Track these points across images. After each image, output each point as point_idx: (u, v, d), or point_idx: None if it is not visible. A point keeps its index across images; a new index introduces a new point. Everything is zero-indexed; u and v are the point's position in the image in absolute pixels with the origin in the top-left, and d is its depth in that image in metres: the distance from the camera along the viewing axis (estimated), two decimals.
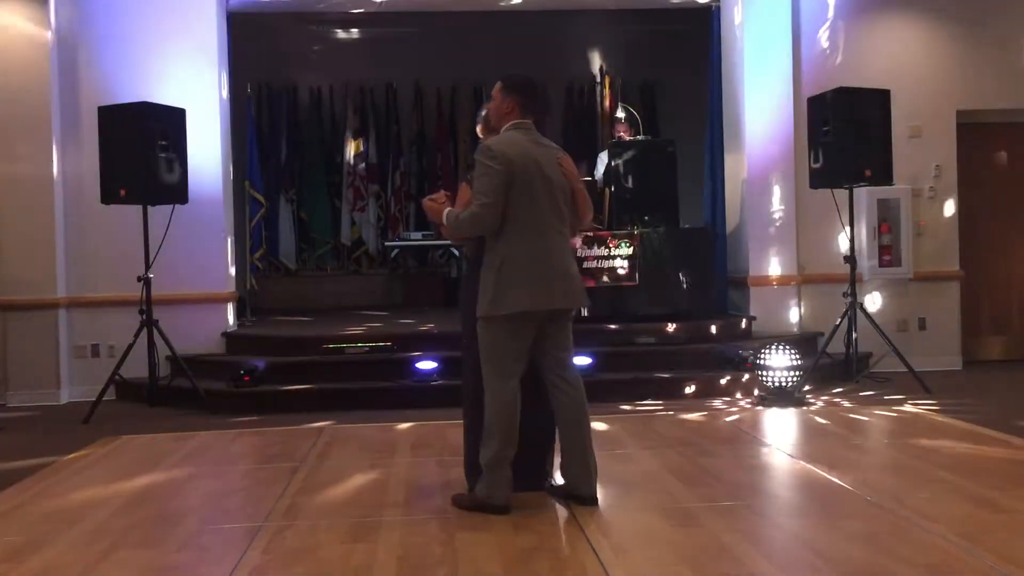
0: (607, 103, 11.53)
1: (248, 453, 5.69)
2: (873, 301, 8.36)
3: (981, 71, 8.59)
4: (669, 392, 7.15)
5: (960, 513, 3.98)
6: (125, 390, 7.57)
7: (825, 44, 8.52)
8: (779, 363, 6.77)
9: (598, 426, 6.07)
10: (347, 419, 6.51)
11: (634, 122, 8.77)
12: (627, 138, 8.73)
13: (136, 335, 7.20)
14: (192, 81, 8.03)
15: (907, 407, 6.59)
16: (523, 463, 4.18)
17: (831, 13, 8.53)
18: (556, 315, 4.14)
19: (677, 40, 10.43)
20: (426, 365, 7.17)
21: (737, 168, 8.63)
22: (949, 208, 8.57)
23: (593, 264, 7.91)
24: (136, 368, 7.32)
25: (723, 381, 7.23)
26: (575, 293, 4.18)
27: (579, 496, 4.17)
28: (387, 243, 11.50)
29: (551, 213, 4.15)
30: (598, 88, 11.97)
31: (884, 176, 7.44)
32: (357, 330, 8.13)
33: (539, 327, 4.12)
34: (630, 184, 8.44)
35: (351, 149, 11.83)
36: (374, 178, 11.89)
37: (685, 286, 8.10)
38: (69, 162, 7.94)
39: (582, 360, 7.17)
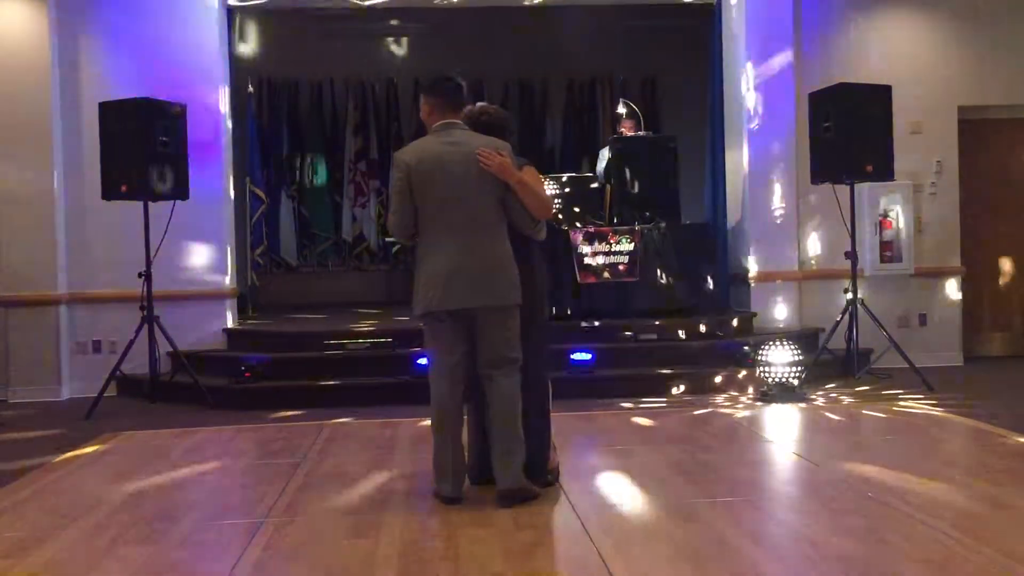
0: (608, 99, 11.53)
1: (249, 449, 5.69)
2: (874, 297, 8.34)
3: (983, 67, 8.57)
4: (670, 388, 7.15)
5: (961, 508, 3.99)
6: (126, 386, 7.57)
7: (826, 40, 8.50)
8: (780, 359, 6.76)
9: (599, 423, 6.07)
10: (348, 415, 6.51)
11: (635, 118, 8.76)
12: (628, 134, 8.72)
13: (137, 331, 7.21)
14: (193, 77, 8.01)
15: (908, 403, 6.59)
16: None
17: (832, 8, 8.52)
18: (481, 313, 4.14)
19: (679, 36, 10.41)
20: (427, 361, 7.14)
21: (738, 164, 8.62)
22: (950, 204, 8.56)
23: (594, 260, 7.91)
24: (137, 364, 7.32)
25: (724, 377, 7.22)
26: (484, 291, 4.12)
27: (497, 492, 4.16)
28: (388, 239, 11.49)
29: (460, 212, 4.14)
30: (599, 84, 11.95)
31: (885, 172, 7.44)
32: (358, 326, 8.13)
33: (470, 324, 4.17)
34: (631, 180, 8.43)
35: (352, 145, 11.82)
36: (375, 174, 11.87)
37: (686, 282, 8.10)
38: (70, 158, 7.93)
39: (582, 356, 7.19)
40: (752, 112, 8.42)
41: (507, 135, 4.48)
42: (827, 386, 7.27)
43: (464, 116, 4.44)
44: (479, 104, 4.65)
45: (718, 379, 7.21)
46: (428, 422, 6.10)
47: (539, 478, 4.35)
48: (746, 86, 8.44)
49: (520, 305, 4.21)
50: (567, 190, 8.49)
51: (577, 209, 8.39)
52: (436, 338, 4.25)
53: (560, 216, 8.23)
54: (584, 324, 7.72)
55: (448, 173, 4.15)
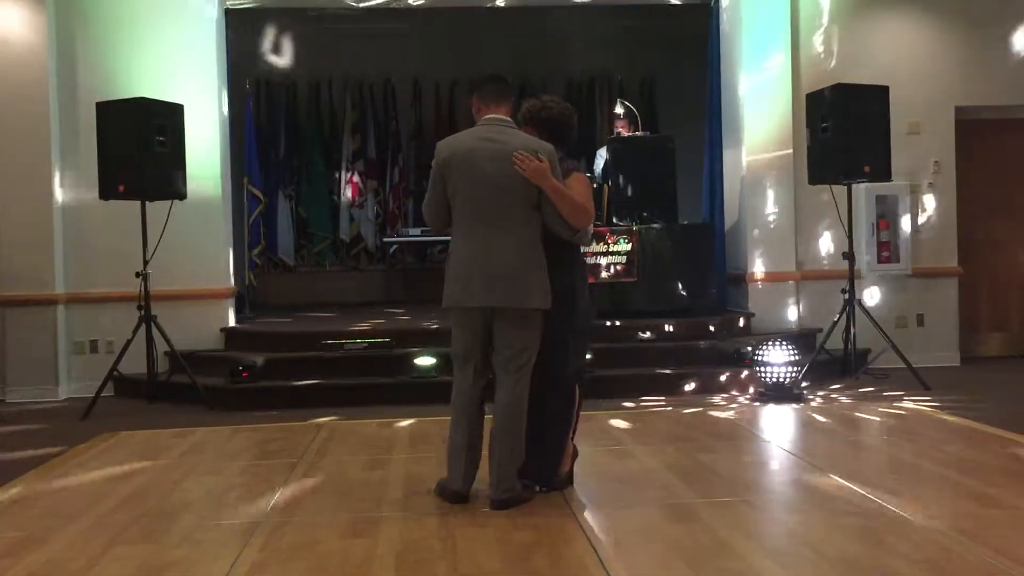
0: (606, 99, 11.53)
1: (247, 449, 5.69)
2: (871, 297, 8.36)
3: (980, 68, 8.58)
4: (668, 388, 7.15)
5: (958, 509, 3.99)
6: (124, 386, 7.56)
7: (824, 40, 8.51)
8: (777, 359, 6.77)
9: (597, 423, 6.08)
10: (346, 415, 6.51)
11: (633, 118, 8.76)
12: (626, 134, 8.72)
13: (135, 331, 7.20)
14: (190, 76, 8.01)
15: (905, 403, 6.60)
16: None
17: (830, 9, 8.52)
18: (498, 313, 4.13)
19: (676, 36, 10.42)
20: (424, 361, 7.16)
21: (736, 164, 8.63)
22: (947, 204, 8.57)
23: (592, 260, 7.90)
24: (135, 364, 7.31)
25: (722, 377, 7.22)
26: (501, 292, 4.08)
27: (490, 499, 4.15)
28: (385, 239, 11.49)
29: (489, 210, 4.11)
30: (597, 84, 11.96)
31: (883, 172, 7.45)
32: (356, 326, 8.12)
33: (487, 323, 4.16)
34: (629, 180, 8.43)
35: (350, 145, 11.82)
36: (373, 174, 11.87)
37: (684, 282, 8.10)
38: (67, 158, 7.93)
39: None
40: (750, 112, 8.42)
41: (568, 131, 4.40)
42: (825, 386, 7.28)
43: (525, 110, 4.38)
44: (542, 97, 4.51)
45: (716, 379, 7.21)
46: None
47: (546, 484, 4.33)
48: (744, 86, 8.45)
49: (544, 310, 4.14)
50: None
51: None
52: (459, 333, 4.25)
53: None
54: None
55: (479, 170, 4.11)
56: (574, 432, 4.46)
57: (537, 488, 4.30)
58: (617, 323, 7.77)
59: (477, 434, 4.23)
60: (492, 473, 4.17)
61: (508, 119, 4.25)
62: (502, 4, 9.34)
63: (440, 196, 4.20)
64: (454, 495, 4.20)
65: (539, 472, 4.31)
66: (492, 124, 4.22)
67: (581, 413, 4.55)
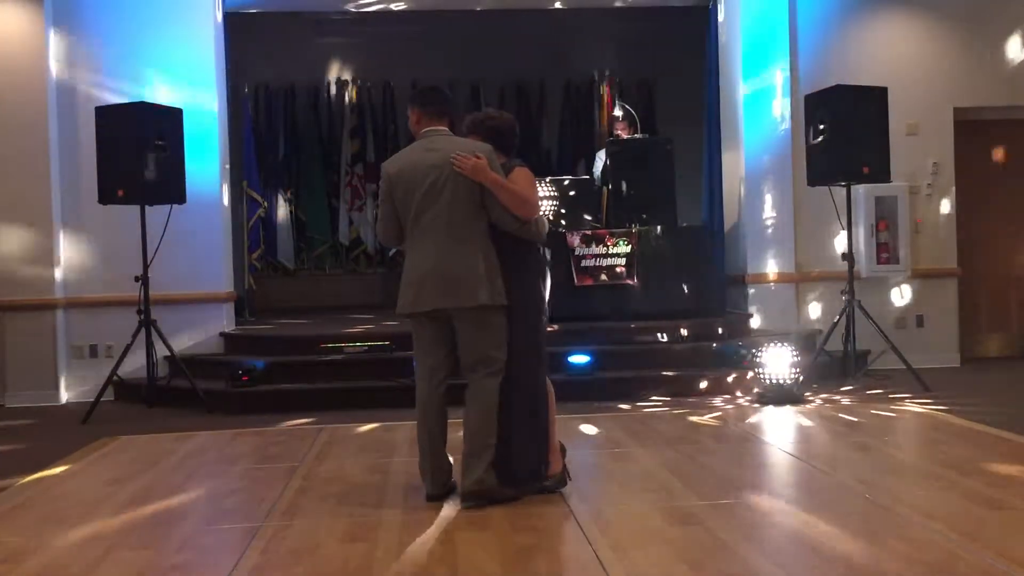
0: (605, 101, 11.53)
1: (247, 453, 5.69)
2: (871, 298, 8.35)
3: (978, 69, 8.60)
4: (668, 390, 7.15)
5: (959, 510, 3.99)
6: (123, 390, 7.57)
7: (822, 42, 8.52)
8: (777, 361, 6.76)
9: (596, 425, 6.08)
10: (346, 419, 6.51)
11: (632, 120, 8.77)
12: (625, 136, 8.73)
13: (134, 335, 7.20)
14: (190, 81, 8.02)
15: (905, 404, 6.60)
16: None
17: (828, 10, 8.53)
18: (455, 315, 4.22)
19: (675, 38, 10.42)
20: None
21: (735, 166, 8.63)
22: (946, 205, 8.58)
23: (591, 263, 7.91)
24: (134, 368, 7.32)
25: (721, 379, 7.22)
26: (453, 293, 4.17)
27: (460, 492, 4.23)
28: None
29: (435, 216, 4.23)
30: (595, 86, 11.96)
31: (881, 173, 7.45)
32: (355, 329, 8.12)
33: (446, 327, 4.26)
34: (628, 182, 8.43)
35: (349, 148, 11.81)
36: (372, 177, 11.86)
37: (683, 284, 8.10)
38: (67, 162, 7.94)
39: (580, 358, 7.19)
40: (748, 114, 8.42)
41: (513, 138, 4.54)
42: (825, 387, 7.27)
43: (470, 121, 4.54)
44: (484, 110, 4.74)
45: (716, 381, 7.21)
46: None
47: (535, 483, 4.33)
48: (742, 88, 8.45)
49: (501, 306, 4.21)
50: (564, 193, 8.50)
51: (574, 212, 8.40)
52: (417, 340, 4.38)
53: (562, 221, 8.23)
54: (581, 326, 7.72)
55: (424, 179, 4.24)
56: (555, 428, 4.46)
57: (530, 490, 4.30)
58: (616, 325, 7.77)
59: (440, 440, 4.31)
60: (462, 471, 4.23)
61: (445, 129, 4.41)
62: (501, 7, 9.35)
63: (391, 213, 4.34)
64: (428, 496, 4.31)
65: (529, 472, 4.31)
66: (431, 136, 4.37)
67: (566, 411, 4.55)
